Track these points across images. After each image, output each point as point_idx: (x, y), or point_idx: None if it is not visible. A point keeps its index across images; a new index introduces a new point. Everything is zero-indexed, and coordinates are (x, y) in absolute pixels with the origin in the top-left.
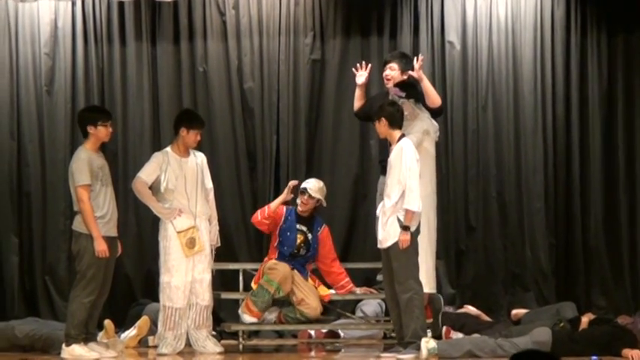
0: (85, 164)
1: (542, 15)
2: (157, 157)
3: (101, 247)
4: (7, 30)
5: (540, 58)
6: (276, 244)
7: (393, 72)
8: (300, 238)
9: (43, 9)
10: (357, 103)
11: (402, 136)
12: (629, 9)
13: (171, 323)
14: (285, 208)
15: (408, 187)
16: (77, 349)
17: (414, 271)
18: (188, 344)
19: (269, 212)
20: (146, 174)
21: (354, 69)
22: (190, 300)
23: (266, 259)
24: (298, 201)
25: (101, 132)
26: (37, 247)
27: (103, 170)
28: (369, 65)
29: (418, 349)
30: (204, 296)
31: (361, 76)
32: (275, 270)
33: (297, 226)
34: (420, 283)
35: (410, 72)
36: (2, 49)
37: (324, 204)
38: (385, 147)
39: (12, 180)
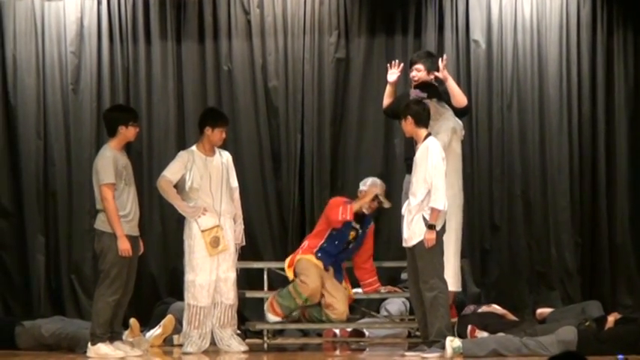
0: (110, 163)
1: (567, 14)
2: (182, 155)
3: (124, 246)
4: (33, 28)
5: (566, 57)
6: (326, 235)
7: (419, 73)
8: (352, 235)
9: (69, 8)
10: (387, 100)
11: (428, 134)
12: None
13: (196, 322)
14: None
15: (433, 185)
16: (103, 347)
17: (438, 269)
18: (213, 343)
19: (351, 214)
20: (171, 172)
21: (388, 65)
22: (215, 299)
23: (306, 243)
24: (367, 206)
25: (131, 132)
26: (62, 246)
27: (126, 169)
28: (401, 64)
29: (443, 347)
30: (229, 295)
31: (393, 74)
32: (305, 285)
33: (353, 223)
34: (444, 282)
35: (435, 72)
36: (29, 48)
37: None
38: (411, 145)
39: (38, 179)
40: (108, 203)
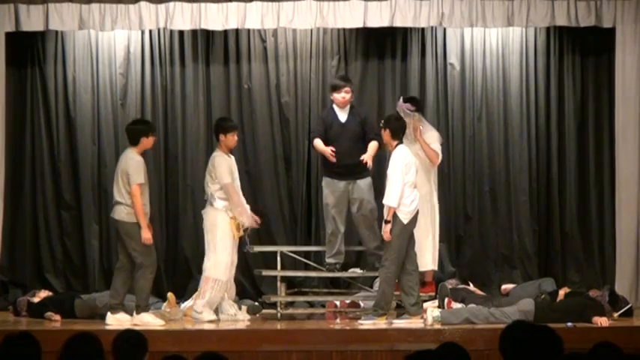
0: (141, 166)
1: (526, 41)
2: (219, 161)
3: (147, 235)
4: (89, 54)
5: (525, 77)
6: None
7: (348, 95)
8: None
9: (118, 37)
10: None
11: (398, 144)
12: (598, 36)
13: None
14: None
15: (389, 185)
16: (145, 316)
17: (394, 257)
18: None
19: None
20: (228, 178)
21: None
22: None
23: None
24: None
25: (150, 141)
26: (113, 233)
27: (145, 172)
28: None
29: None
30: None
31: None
32: None
33: None
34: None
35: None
36: (86, 70)
37: None
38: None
39: (93, 178)
40: (137, 199)
